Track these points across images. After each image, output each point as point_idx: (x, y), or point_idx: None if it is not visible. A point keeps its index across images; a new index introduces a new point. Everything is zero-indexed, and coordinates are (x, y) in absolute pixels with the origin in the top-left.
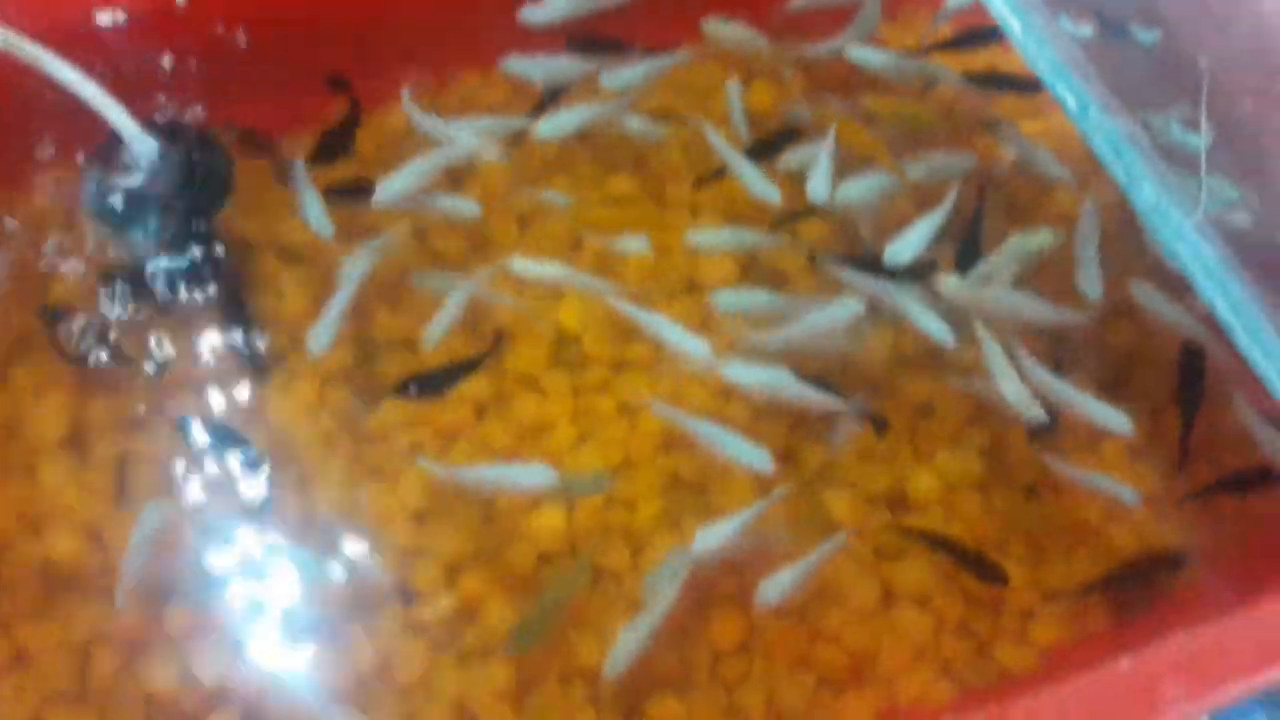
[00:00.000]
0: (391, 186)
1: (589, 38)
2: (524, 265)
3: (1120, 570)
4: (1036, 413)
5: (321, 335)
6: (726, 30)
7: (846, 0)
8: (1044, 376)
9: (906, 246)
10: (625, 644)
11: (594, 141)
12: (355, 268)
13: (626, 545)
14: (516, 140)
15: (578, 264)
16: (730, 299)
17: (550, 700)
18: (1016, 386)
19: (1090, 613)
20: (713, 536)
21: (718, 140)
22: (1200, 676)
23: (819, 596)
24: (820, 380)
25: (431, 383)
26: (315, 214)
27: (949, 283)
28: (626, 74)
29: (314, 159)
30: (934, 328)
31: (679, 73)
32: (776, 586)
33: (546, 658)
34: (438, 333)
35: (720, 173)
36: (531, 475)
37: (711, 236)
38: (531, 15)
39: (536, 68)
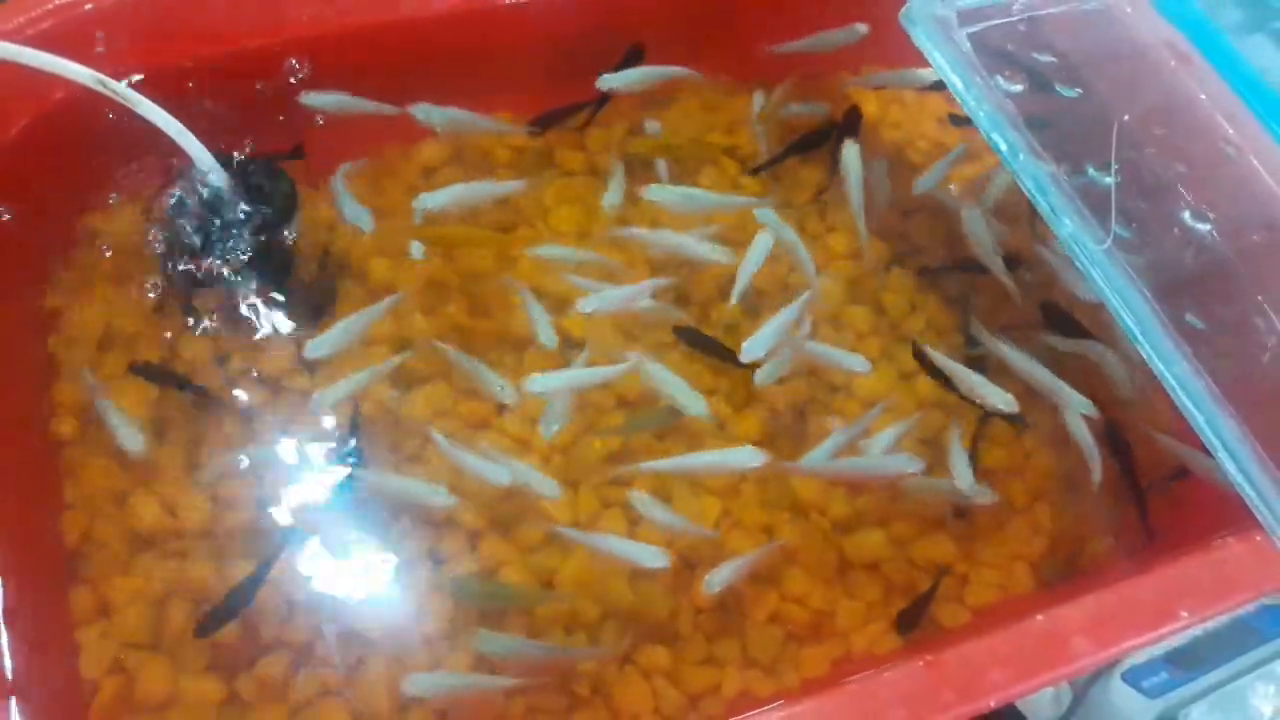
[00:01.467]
0: None
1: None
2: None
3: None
4: (1009, 403)
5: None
6: None
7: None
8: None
9: (758, 344)
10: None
11: None
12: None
13: (624, 519)
14: None
15: None
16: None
17: None
18: (985, 384)
19: (1015, 579)
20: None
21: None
22: (1105, 632)
23: (788, 564)
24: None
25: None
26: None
27: None
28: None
29: None
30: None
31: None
32: (720, 577)
33: (553, 613)
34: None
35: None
36: (741, 457)
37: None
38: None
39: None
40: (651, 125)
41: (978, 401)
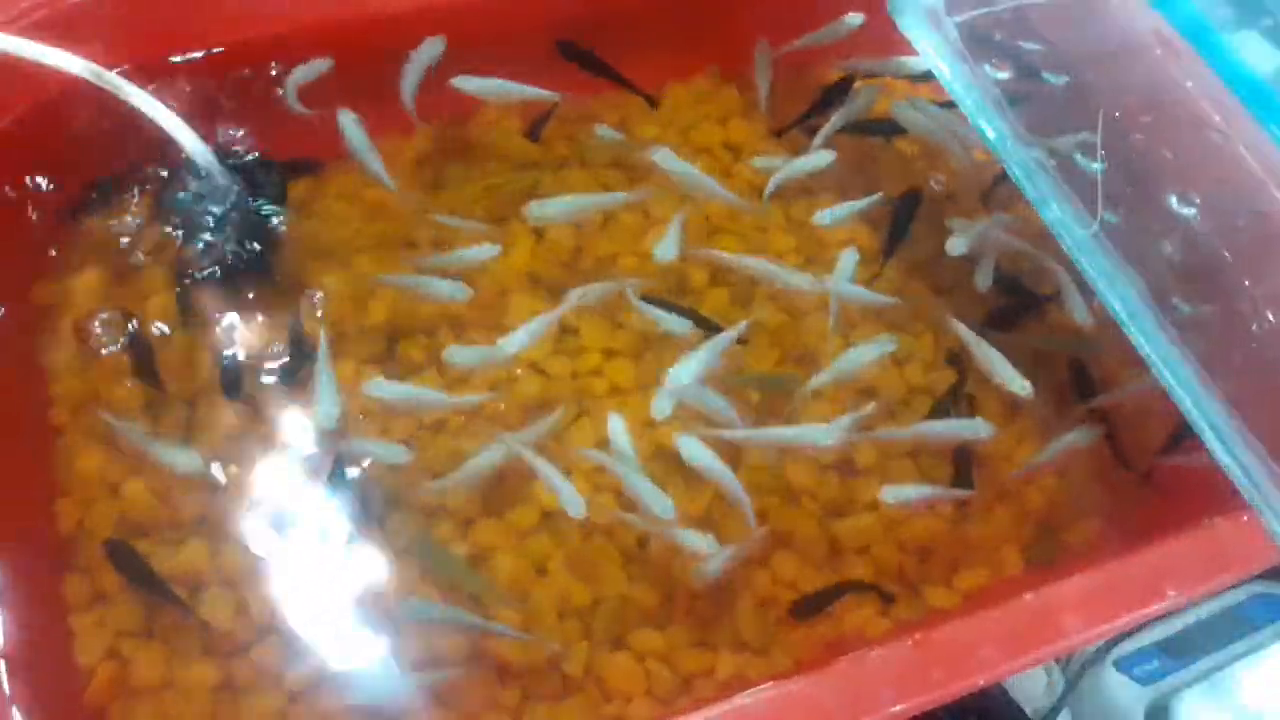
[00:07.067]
0: None
1: (583, 53)
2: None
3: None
4: (1025, 389)
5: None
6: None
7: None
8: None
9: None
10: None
11: None
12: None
13: (618, 505)
14: None
15: None
16: None
17: (549, 633)
18: (1005, 367)
19: (1005, 561)
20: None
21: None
22: (1094, 610)
23: (780, 548)
24: None
25: None
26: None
27: None
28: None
29: None
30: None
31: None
32: (713, 563)
33: (545, 598)
34: None
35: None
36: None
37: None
38: None
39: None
40: (603, 130)
41: (994, 381)
